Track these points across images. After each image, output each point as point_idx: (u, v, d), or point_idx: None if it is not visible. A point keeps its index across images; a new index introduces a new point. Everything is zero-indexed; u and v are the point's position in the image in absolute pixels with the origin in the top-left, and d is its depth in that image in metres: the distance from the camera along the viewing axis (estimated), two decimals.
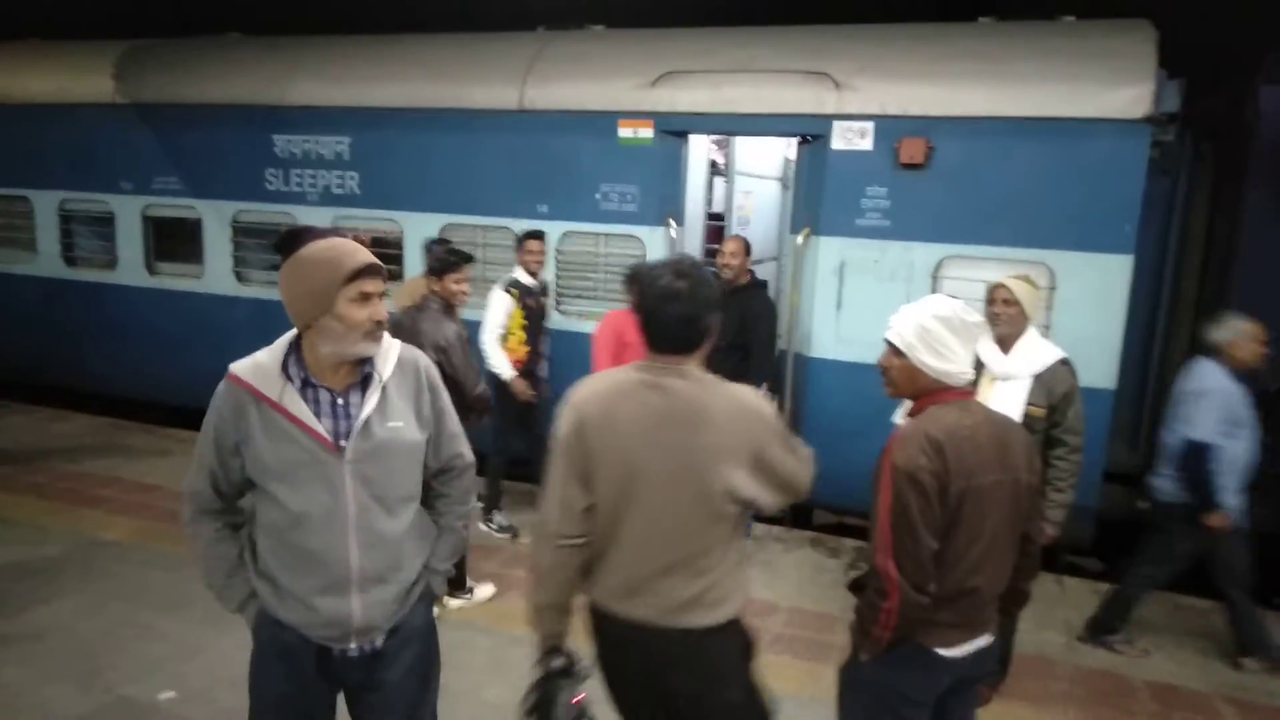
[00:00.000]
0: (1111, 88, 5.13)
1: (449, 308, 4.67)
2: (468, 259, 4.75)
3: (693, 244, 6.69)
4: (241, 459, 2.22)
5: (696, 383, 2.32)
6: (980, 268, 5.43)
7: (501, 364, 5.59)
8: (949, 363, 2.42)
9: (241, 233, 7.51)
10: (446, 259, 4.70)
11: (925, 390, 2.48)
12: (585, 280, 6.43)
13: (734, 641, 2.41)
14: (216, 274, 7.61)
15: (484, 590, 5.02)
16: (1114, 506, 6.03)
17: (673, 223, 6.16)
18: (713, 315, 2.36)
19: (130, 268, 7.95)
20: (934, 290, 5.50)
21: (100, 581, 5.04)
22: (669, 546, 2.30)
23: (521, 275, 5.73)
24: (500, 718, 3.88)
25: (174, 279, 7.86)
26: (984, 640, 2.50)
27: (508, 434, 5.80)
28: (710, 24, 6.54)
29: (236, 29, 8.21)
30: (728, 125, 6.20)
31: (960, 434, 2.36)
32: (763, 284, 5.69)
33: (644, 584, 2.32)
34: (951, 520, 2.34)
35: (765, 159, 7.91)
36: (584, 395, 2.38)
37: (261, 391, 2.17)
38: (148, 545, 5.54)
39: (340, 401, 2.21)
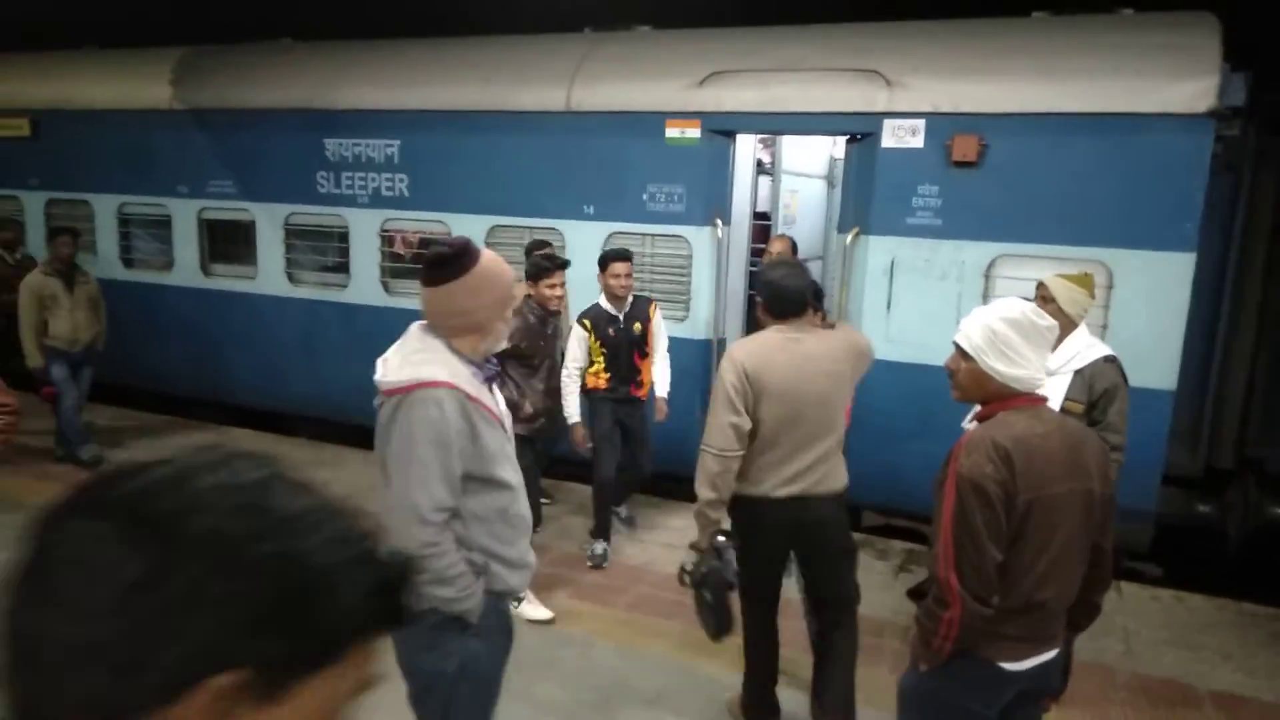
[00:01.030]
0: (1173, 82, 5.00)
1: (546, 312, 4.95)
2: (562, 264, 4.97)
3: (739, 243, 6.66)
4: (462, 458, 2.39)
5: (814, 333, 3.49)
6: (1035, 267, 5.32)
7: (571, 406, 5.22)
8: (1018, 368, 2.36)
9: (294, 234, 7.64)
10: (539, 264, 4.92)
11: (994, 395, 2.42)
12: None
13: (845, 503, 3.58)
14: (269, 275, 7.75)
15: (536, 610, 4.75)
16: (1173, 510, 5.89)
17: (719, 222, 6.14)
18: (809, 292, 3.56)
19: (186, 268, 8.13)
20: (986, 290, 5.41)
21: None
22: (822, 443, 3.42)
23: (602, 301, 5.32)
24: (554, 714, 3.90)
25: (229, 280, 8.02)
26: (1050, 654, 2.44)
27: (604, 460, 5.44)
28: (757, 23, 6.50)
29: (289, 34, 8.35)
30: (776, 124, 6.17)
31: (1030, 442, 2.30)
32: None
33: (802, 472, 3.40)
34: (1018, 532, 2.28)
35: (811, 158, 7.85)
36: (744, 352, 3.38)
37: (469, 392, 2.39)
38: None
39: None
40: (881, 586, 5.26)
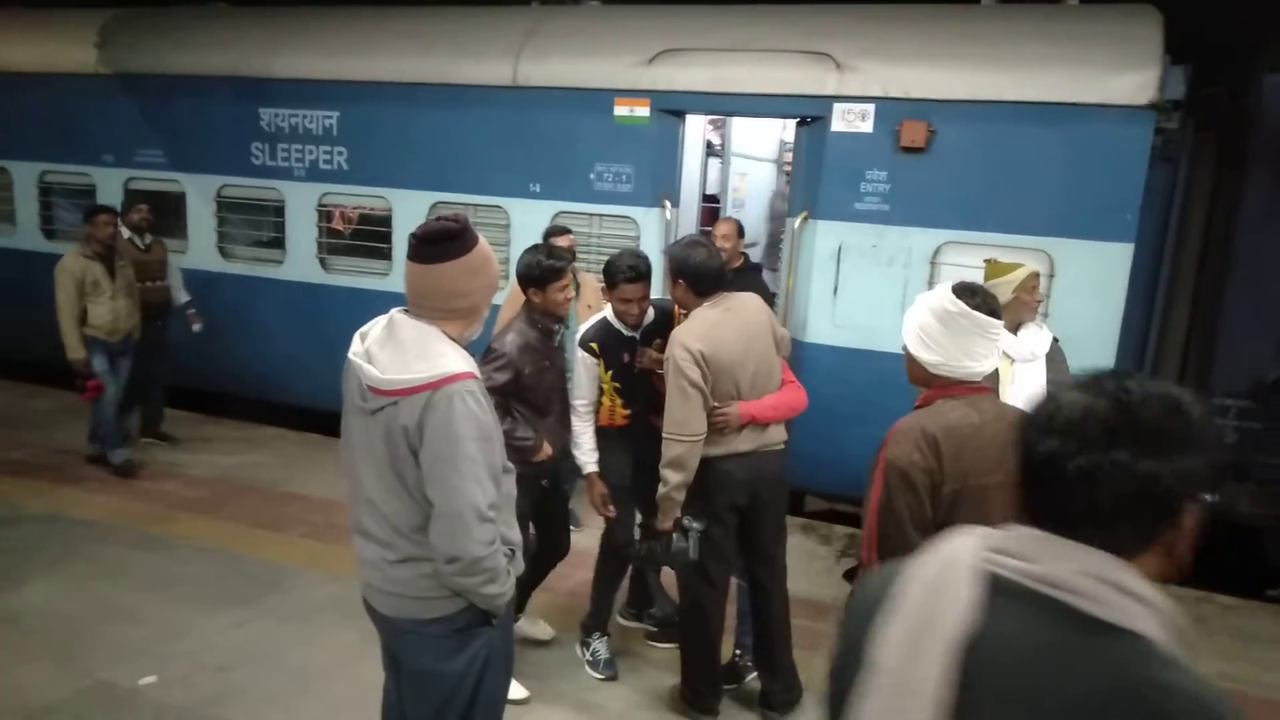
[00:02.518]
0: (1117, 73, 5.06)
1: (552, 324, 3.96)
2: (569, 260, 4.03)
3: (687, 226, 6.59)
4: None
5: (733, 298, 3.63)
6: (979, 254, 5.35)
7: (586, 453, 4.00)
8: (934, 354, 2.37)
9: (226, 207, 7.36)
10: (547, 266, 3.80)
11: (930, 382, 2.42)
12: (579, 262, 6.31)
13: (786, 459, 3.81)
14: (200, 249, 7.47)
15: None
16: None
17: (668, 204, 6.07)
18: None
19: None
20: (932, 277, 5.44)
21: (80, 563, 4.93)
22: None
23: (611, 317, 4.02)
24: None
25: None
26: None
27: (623, 521, 4.14)
28: (709, 2, 6.41)
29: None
30: (726, 105, 6.10)
31: (962, 431, 2.28)
32: (757, 267, 5.60)
33: (756, 429, 3.60)
34: (944, 520, 2.24)
35: (761, 141, 7.81)
36: (693, 337, 3.46)
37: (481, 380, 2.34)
38: (129, 526, 5.44)
39: None
40: (824, 571, 5.28)
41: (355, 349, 2.30)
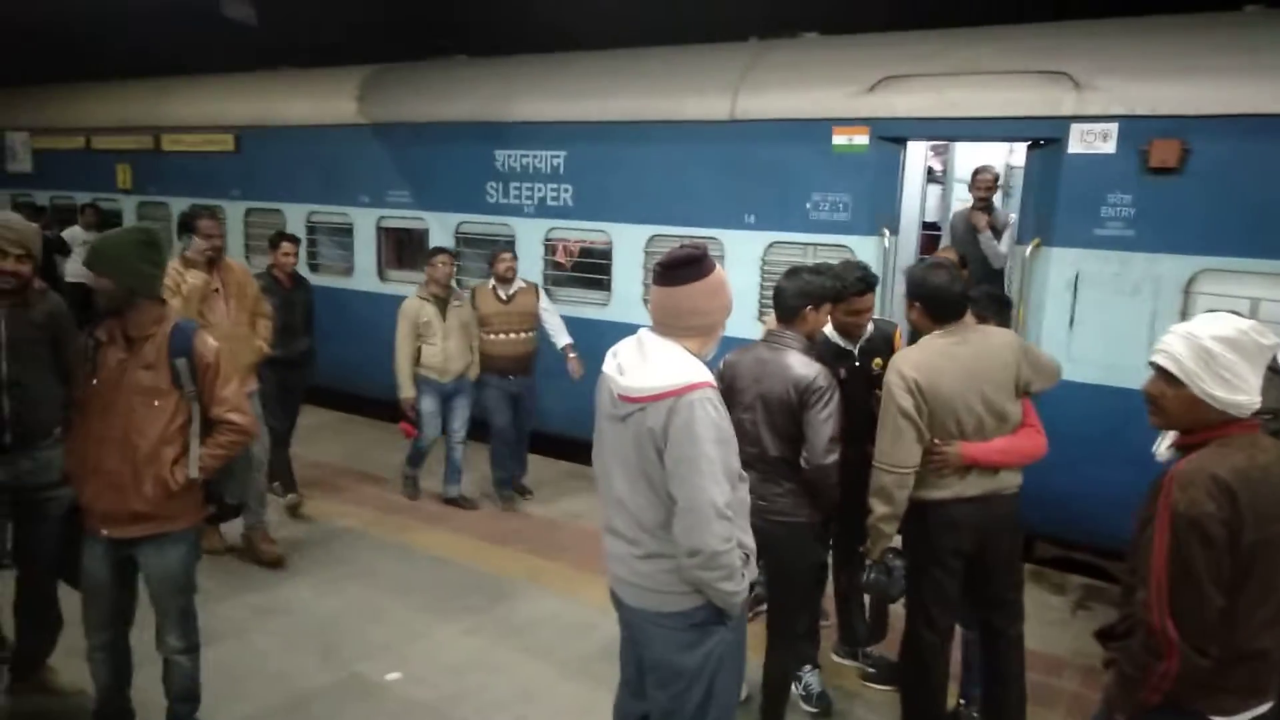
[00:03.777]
0: None
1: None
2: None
3: (906, 254, 6.42)
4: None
5: (977, 332, 3.45)
6: (1243, 283, 4.86)
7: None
8: (1239, 393, 2.11)
9: (463, 243, 7.96)
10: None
11: (1205, 424, 2.17)
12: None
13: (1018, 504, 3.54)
14: None
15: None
16: None
17: (886, 232, 5.94)
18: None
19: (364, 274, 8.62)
20: (1185, 308, 4.97)
21: (337, 565, 5.46)
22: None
23: (830, 330, 3.94)
24: None
25: (403, 286, 8.45)
26: (1263, 707, 2.18)
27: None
28: (933, 26, 6.26)
29: (464, 51, 8.73)
30: (950, 130, 5.92)
31: (1253, 476, 2.06)
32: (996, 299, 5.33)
33: (984, 472, 3.40)
34: (1243, 574, 2.05)
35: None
36: (911, 364, 3.32)
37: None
38: (376, 534, 5.96)
39: None
40: (1058, 623, 4.91)
41: (608, 364, 2.58)
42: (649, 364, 2.46)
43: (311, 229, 9.03)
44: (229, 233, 9.42)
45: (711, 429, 2.36)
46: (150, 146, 10.25)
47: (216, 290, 5.10)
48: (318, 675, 4.24)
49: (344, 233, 8.78)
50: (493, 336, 6.26)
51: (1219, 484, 2.04)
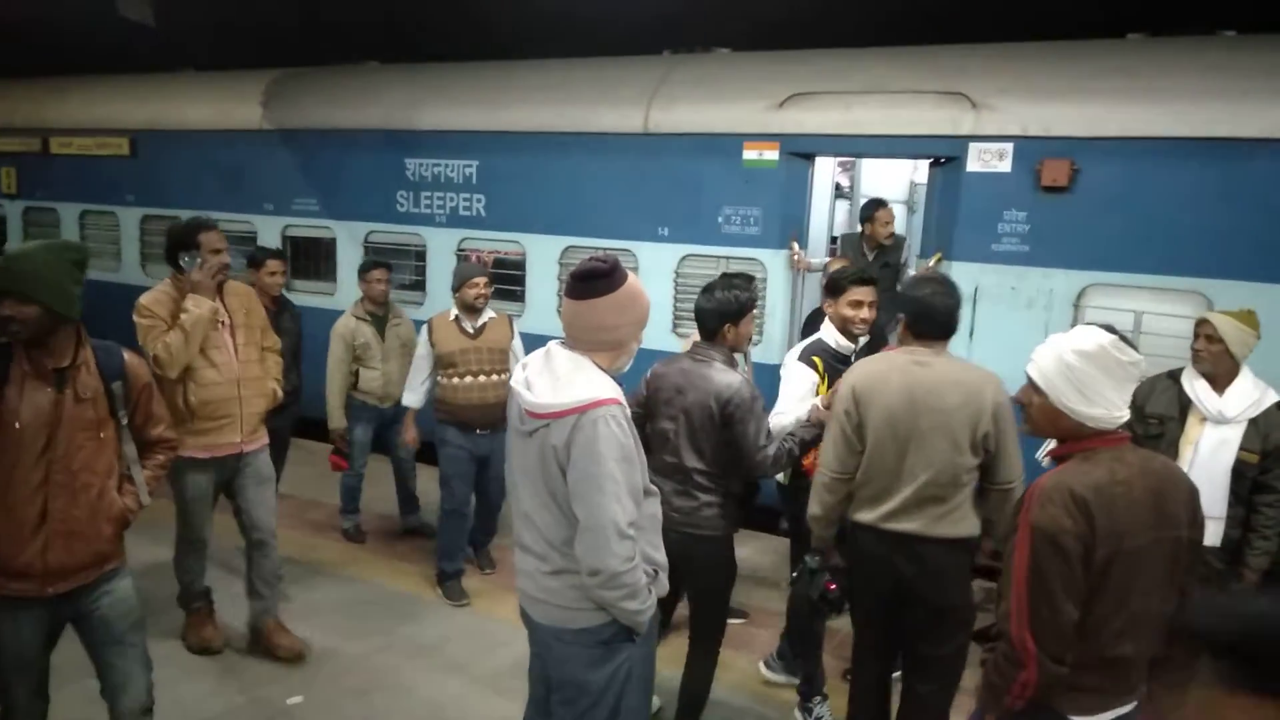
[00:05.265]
0: (1278, 105, 4.77)
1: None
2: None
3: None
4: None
5: (946, 360, 3.15)
6: (1128, 297, 5.13)
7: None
8: (1096, 406, 2.17)
9: (373, 252, 7.80)
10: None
11: (1070, 433, 2.24)
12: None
13: (961, 553, 3.15)
14: (348, 291, 7.91)
15: None
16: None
17: (796, 245, 6.05)
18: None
19: None
20: (1075, 321, 5.21)
21: (238, 584, 5.23)
22: (930, 481, 3.06)
23: (828, 334, 3.96)
24: None
25: (308, 296, 8.22)
26: (1126, 708, 2.25)
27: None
28: (839, 46, 6.43)
29: (375, 58, 8.57)
30: (857, 147, 6.07)
31: (1112, 491, 2.11)
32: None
33: (904, 509, 3.10)
34: (1097, 586, 2.11)
35: (891, 182, 7.71)
36: (859, 371, 3.21)
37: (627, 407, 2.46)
38: (281, 552, 5.71)
39: None
40: None
41: (516, 377, 2.52)
42: (555, 379, 2.42)
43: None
44: (122, 240, 9.09)
45: (615, 447, 2.33)
46: (38, 149, 9.74)
47: (223, 322, 4.14)
48: (213, 701, 4.05)
49: (248, 242, 8.47)
50: (455, 380, 5.04)
51: (1075, 500, 2.09)
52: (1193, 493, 2.25)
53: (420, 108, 7.48)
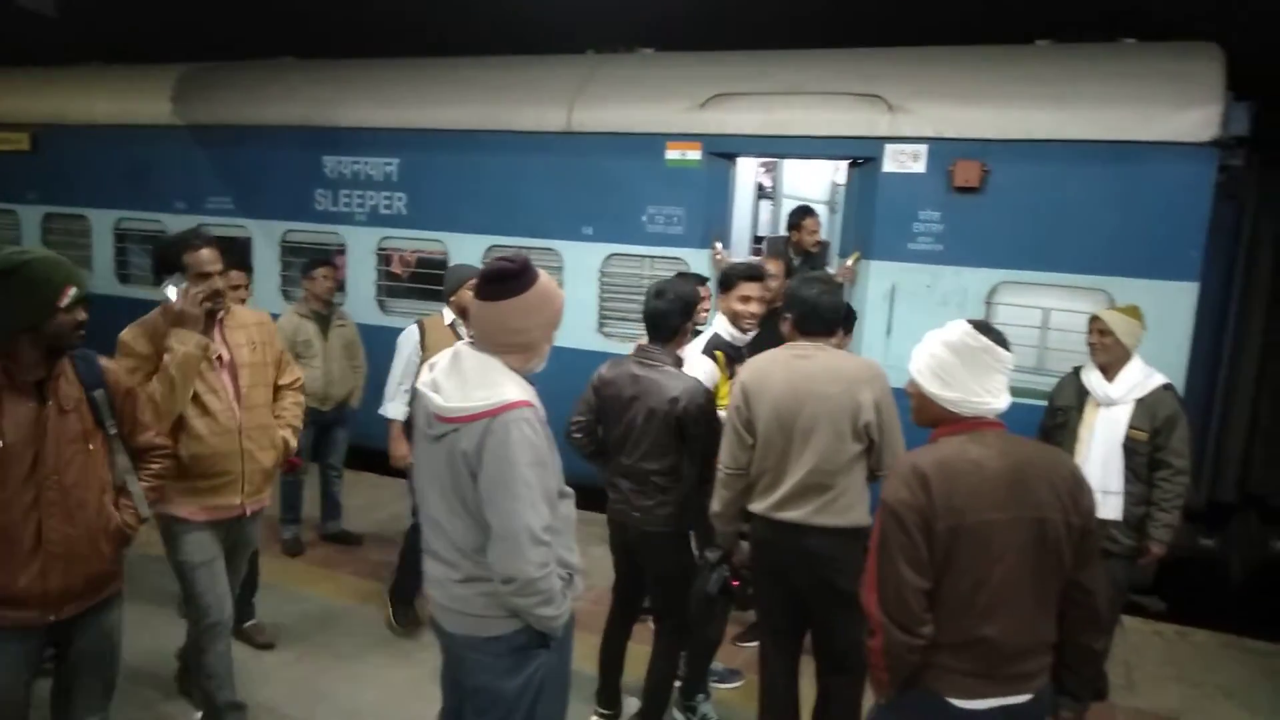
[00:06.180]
0: (1177, 110, 4.98)
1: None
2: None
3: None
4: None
5: (826, 352, 3.24)
6: (1037, 294, 5.29)
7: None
8: (952, 390, 2.32)
9: (291, 251, 7.60)
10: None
11: (939, 419, 2.38)
12: (631, 303, 6.38)
13: (852, 542, 3.13)
14: (263, 291, 7.70)
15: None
16: (1177, 544, 5.79)
17: (719, 245, 6.09)
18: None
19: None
20: (988, 318, 5.36)
21: (150, 598, 5.03)
22: (815, 469, 3.14)
23: (725, 328, 4.00)
24: None
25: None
26: (1016, 699, 2.27)
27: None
28: (760, 48, 6.49)
29: (292, 53, 8.35)
30: (777, 148, 6.14)
31: (957, 467, 2.22)
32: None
33: (792, 498, 3.18)
34: (947, 560, 2.20)
35: (812, 182, 7.83)
36: (748, 368, 3.31)
37: (540, 410, 2.38)
38: None
39: None
40: None
41: (424, 379, 2.45)
42: (464, 382, 2.35)
43: (121, 237, 8.38)
44: (23, 240, 8.67)
45: (528, 451, 2.27)
46: None
47: (220, 359, 3.45)
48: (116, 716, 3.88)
49: (158, 241, 8.19)
50: None
51: (916, 473, 2.23)
52: (1073, 479, 2.29)
53: (339, 104, 7.32)
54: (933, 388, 2.35)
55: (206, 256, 3.35)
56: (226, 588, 3.56)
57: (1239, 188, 5.62)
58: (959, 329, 2.39)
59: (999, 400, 2.34)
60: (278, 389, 3.70)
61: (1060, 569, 2.25)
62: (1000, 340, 2.38)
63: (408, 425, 4.49)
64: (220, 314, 3.47)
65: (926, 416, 2.43)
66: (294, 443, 3.72)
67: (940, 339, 2.39)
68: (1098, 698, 4.35)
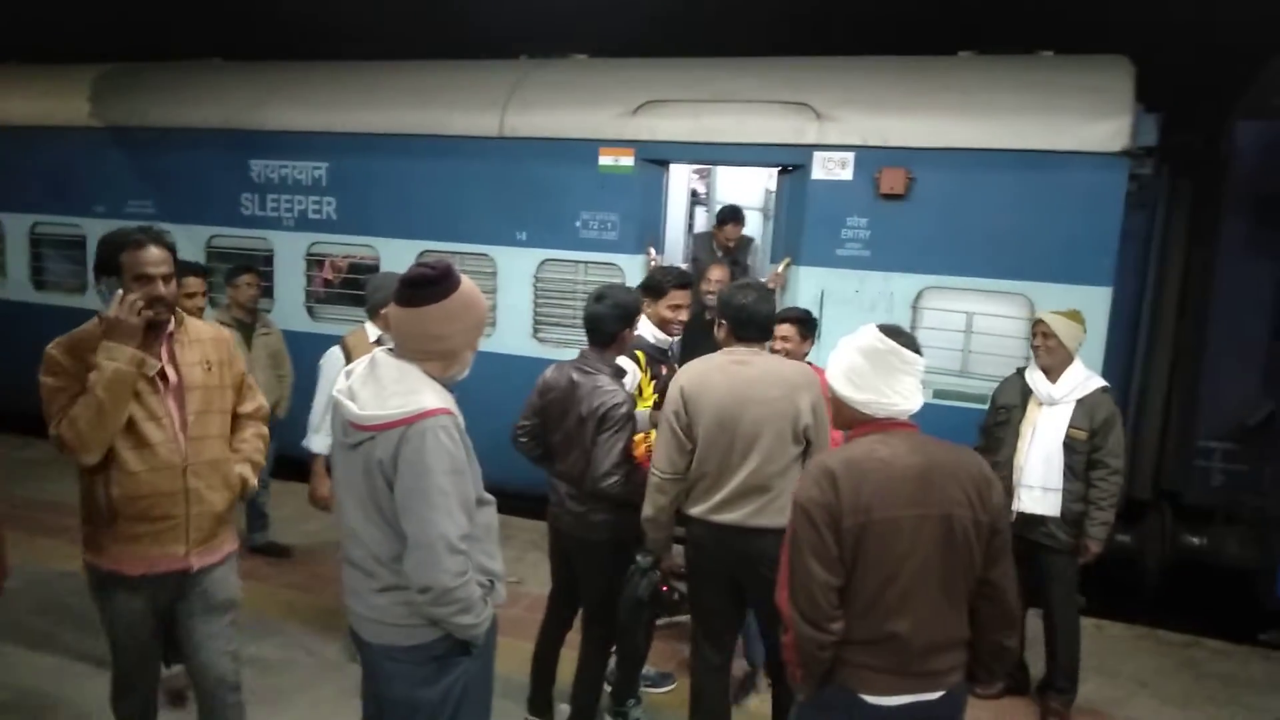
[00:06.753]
0: (1090, 121, 5.17)
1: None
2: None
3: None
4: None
5: (763, 358, 3.36)
6: (960, 299, 5.43)
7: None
8: (862, 392, 2.39)
9: (216, 257, 7.41)
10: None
11: (852, 421, 2.45)
12: (565, 308, 6.37)
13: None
14: None
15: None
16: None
17: (653, 251, 6.12)
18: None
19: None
20: (914, 322, 5.48)
21: (56, 614, 4.86)
22: (755, 471, 3.21)
23: (651, 332, 4.06)
24: None
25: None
26: (929, 695, 2.31)
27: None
28: (692, 55, 6.55)
29: (219, 54, 8.16)
30: (708, 154, 6.20)
31: (865, 466, 2.28)
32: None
33: (733, 500, 3.25)
34: (855, 556, 2.26)
35: (747, 189, 7.91)
36: (687, 374, 3.34)
37: (459, 417, 2.36)
38: None
39: None
40: None
41: (340, 386, 2.42)
42: (380, 389, 2.31)
43: (36, 242, 8.08)
44: None
45: (445, 459, 2.24)
46: None
47: (165, 379, 2.88)
48: None
49: (76, 246, 7.91)
50: None
51: (824, 472, 2.29)
52: (981, 477, 2.33)
53: (267, 107, 7.17)
54: (845, 391, 2.41)
55: (149, 256, 2.77)
56: (152, 657, 3.09)
57: (1149, 196, 5.85)
58: (868, 333, 2.45)
59: (909, 402, 2.39)
60: (237, 417, 3.15)
61: (970, 566, 2.30)
62: (910, 344, 2.43)
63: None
64: (170, 327, 2.91)
65: (843, 419, 2.49)
66: (253, 481, 3.15)
67: (852, 344, 2.46)
68: (1019, 691, 4.47)
